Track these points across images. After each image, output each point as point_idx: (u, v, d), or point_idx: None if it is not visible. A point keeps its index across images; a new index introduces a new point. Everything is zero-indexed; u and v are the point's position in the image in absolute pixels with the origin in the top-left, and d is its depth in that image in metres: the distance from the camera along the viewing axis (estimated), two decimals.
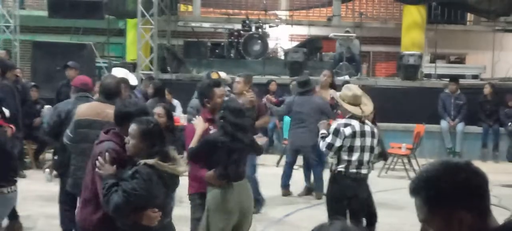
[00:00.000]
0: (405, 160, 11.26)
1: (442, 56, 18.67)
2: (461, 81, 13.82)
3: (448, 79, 13.64)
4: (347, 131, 5.79)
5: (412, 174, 11.09)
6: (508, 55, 17.15)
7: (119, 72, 7.99)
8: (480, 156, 12.89)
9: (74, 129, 5.48)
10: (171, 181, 4.02)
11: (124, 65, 15.02)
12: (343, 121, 5.91)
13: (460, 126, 12.98)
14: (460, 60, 20.07)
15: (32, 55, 13.76)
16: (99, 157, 3.91)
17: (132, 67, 14.55)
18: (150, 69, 13.83)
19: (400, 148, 11.27)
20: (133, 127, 3.91)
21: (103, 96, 5.64)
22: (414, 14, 16.01)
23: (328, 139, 5.83)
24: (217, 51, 16.46)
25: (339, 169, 5.89)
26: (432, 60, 16.68)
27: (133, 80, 7.98)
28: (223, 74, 11.71)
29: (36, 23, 17.29)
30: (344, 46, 14.74)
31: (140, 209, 3.86)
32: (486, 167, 10.93)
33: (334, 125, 5.94)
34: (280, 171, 10.06)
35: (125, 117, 4.13)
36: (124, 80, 6.67)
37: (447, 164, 1.96)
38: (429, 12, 16.24)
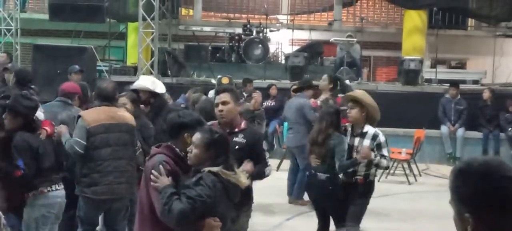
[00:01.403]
0: (405, 165, 11.25)
1: (443, 61, 18.66)
2: (462, 86, 13.81)
3: (448, 84, 13.64)
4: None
5: (412, 179, 11.09)
6: (509, 61, 17.14)
7: (146, 80, 7.83)
8: None
9: (86, 137, 5.43)
10: (234, 191, 3.94)
11: (125, 68, 15.07)
12: (377, 129, 5.97)
13: (460, 131, 12.97)
14: (461, 65, 20.06)
15: (32, 58, 13.75)
16: (153, 171, 3.83)
17: (133, 71, 14.56)
18: (151, 73, 13.82)
19: (400, 153, 11.26)
20: (197, 136, 3.84)
21: (101, 99, 5.68)
22: (415, 19, 16.01)
23: (386, 152, 5.88)
24: (218, 55, 16.45)
25: (376, 175, 6.13)
26: (433, 65, 16.69)
27: (161, 88, 7.84)
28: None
29: (37, 26, 17.32)
30: (345, 51, 14.74)
31: (201, 217, 3.77)
32: None
33: (381, 137, 5.88)
34: (280, 175, 10.05)
35: (180, 127, 4.07)
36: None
37: (485, 165, 1.89)
38: (430, 17, 16.25)
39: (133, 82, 13.52)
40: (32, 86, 10.42)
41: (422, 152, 12.15)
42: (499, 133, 12.92)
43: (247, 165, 4.56)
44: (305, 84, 9.38)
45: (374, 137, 5.86)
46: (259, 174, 4.75)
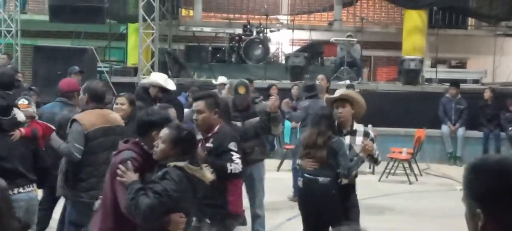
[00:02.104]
0: (406, 165, 11.25)
1: (443, 60, 18.66)
2: (462, 85, 13.81)
3: (449, 84, 13.64)
4: None
5: (412, 179, 11.09)
6: (509, 60, 17.13)
7: (158, 77, 7.82)
8: None
9: (85, 141, 5.35)
10: (199, 186, 3.97)
11: (125, 69, 15.07)
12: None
13: (460, 131, 12.96)
14: (461, 64, 20.07)
15: (33, 59, 13.75)
16: (120, 166, 3.84)
17: (133, 71, 14.56)
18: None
19: (400, 152, 11.26)
20: (165, 132, 3.86)
21: (95, 101, 5.59)
22: (415, 19, 16.01)
23: (376, 146, 5.85)
24: (218, 55, 16.45)
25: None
26: (433, 65, 16.69)
27: (171, 85, 7.82)
28: (223, 79, 11.77)
29: (37, 28, 17.31)
30: (345, 51, 14.74)
31: (167, 213, 3.79)
32: None
33: (372, 133, 5.91)
34: (281, 175, 10.07)
35: (149, 125, 4.07)
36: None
37: (500, 163, 1.90)
38: (430, 16, 16.26)
39: (134, 83, 13.60)
40: (32, 87, 10.47)
41: (422, 152, 12.14)
42: (499, 132, 12.91)
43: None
44: (317, 91, 9.26)
45: (366, 133, 5.82)
46: (219, 166, 4.58)
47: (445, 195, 10.17)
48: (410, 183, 10.93)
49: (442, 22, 16.37)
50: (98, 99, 5.59)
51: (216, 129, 4.89)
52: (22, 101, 5.82)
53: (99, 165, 5.39)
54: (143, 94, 7.59)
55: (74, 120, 5.43)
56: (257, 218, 6.84)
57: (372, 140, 5.78)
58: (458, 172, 12.07)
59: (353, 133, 5.82)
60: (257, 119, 6.17)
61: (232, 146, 4.78)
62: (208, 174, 3.96)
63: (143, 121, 4.14)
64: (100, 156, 5.41)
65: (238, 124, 6.42)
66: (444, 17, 16.80)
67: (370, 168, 11.50)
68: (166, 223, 3.81)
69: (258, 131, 6.05)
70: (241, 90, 6.68)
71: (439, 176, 11.79)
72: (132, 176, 3.79)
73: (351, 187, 5.82)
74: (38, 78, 12.85)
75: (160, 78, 7.66)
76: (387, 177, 11.12)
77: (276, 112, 6.21)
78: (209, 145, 4.85)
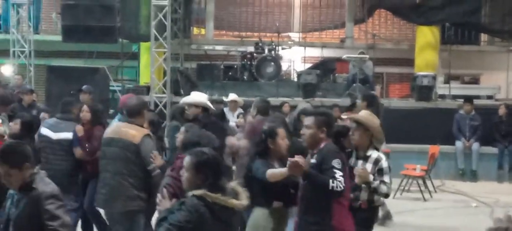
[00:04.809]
0: (420, 182, 11.16)
1: (456, 77, 18.58)
2: (476, 101, 13.71)
3: (462, 100, 13.55)
4: None
5: (427, 196, 10.99)
6: None
7: (198, 96, 7.76)
8: (496, 177, 12.75)
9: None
10: (225, 213, 3.72)
11: (138, 88, 15.11)
12: (381, 154, 5.59)
13: (475, 146, 12.85)
14: (475, 80, 19.96)
15: (46, 79, 13.86)
16: (158, 194, 3.92)
17: (146, 90, 14.60)
18: (164, 93, 13.86)
19: (414, 169, 11.17)
20: (186, 160, 3.78)
21: (126, 116, 6.00)
22: (427, 35, 15.97)
23: (387, 179, 5.47)
24: (230, 73, 16.46)
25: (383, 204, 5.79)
26: (446, 81, 16.61)
27: (211, 106, 7.78)
28: (234, 96, 11.76)
29: (50, 48, 17.44)
30: (357, 68, 14.70)
31: None
32: (502, 188, 10.73)
33: (384, 163, 5.50)
34: None
35: (187, 146, 4.32)
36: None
37: None
38: (442, 33, 16.21)
39: (147, 102, 13.54)
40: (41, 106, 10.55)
41: (437, 168, 12.04)
42: None
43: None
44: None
45: (376, 161, 5.49)
46: (320, 182, 4.69)
47: (460, 212, 10.07)
48: (425, 200, 10.83)
49: (455, 38, 16.33)
50: (129, 114, 5.94)
51: (321, 145, 4.96)
52: None
53: (102, 171, 5.93)
54: (178, 114, 7.71)
55: None
56: None
57: (380, 171, 5.47)
58: (473, 188, 11.96)
59: (365, 158, 5.54)
60: None
61: (336, 163, 4.73)
62: (235, 201, 3.74)
63: (185, 141, 4.40)
64: (103, 162, 5.92)
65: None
66: (457, 33, 16.75)
67: None
68: None
69: (305, 152, 5.98)
70: (336, 113, 6.82)
71: (454, 192, 11.67)
72: (166, 204, 3.80)
73: (359, 212, 5.42)
74: (51, 98, 12.93)
75: (198, 98, 7.60)
76: (401, 194, 11.03)
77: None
78: (313, 160, 4.90)
